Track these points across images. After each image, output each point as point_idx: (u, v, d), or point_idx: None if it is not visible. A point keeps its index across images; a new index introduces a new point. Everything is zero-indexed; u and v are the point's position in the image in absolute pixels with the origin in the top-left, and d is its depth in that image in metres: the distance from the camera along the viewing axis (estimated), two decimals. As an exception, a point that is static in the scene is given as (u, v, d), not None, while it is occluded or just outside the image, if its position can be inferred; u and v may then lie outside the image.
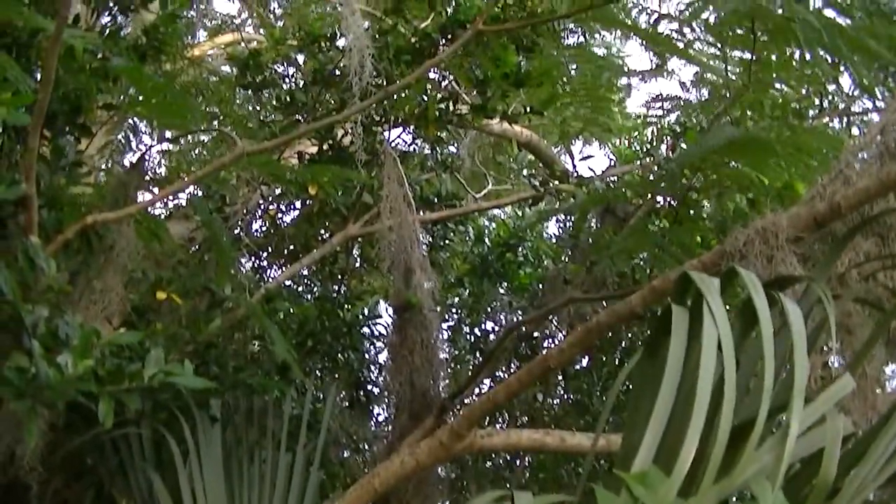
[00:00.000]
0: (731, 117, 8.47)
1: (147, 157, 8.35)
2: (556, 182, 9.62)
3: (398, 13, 8.94)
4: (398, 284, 8.42)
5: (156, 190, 9.37)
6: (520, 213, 11.49)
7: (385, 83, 8.46)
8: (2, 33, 7.06)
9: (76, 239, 5.90)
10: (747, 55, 7.93)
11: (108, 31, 8.58)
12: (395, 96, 8.76)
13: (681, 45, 8.00)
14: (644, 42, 8.32)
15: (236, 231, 9.58)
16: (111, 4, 8.75)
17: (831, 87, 8.99)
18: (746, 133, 6.98)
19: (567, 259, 9.91)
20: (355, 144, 8.53)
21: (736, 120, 8.32)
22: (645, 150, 10.54)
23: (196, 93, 11.70)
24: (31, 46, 7.31)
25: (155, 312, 8.01)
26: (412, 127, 9.43)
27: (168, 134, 11.85)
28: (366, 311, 10.75)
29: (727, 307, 2.90)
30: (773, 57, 7.89)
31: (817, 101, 9.24)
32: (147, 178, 8.66)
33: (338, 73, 9.13)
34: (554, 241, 11.12)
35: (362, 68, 7.13)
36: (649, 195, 8.22)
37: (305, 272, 10.68)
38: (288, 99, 9.47)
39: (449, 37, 8.68)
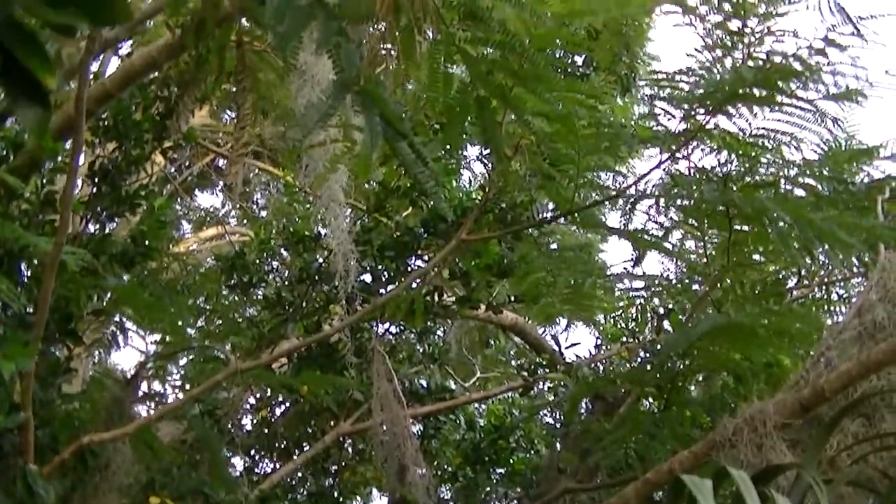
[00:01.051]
0: (713, 297, 8.57)
1: (142, 373, 8.38)
2: (545, 370, 9.70)
3: (380, 210, 9.12)
4: (392, 481, 8.40)
5: (150, 404, 9.39)
6: (510, 399, 11.52)
7: (371, 279, 8.60)
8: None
9: (71, 458, 5.91)
10: (724, 233, 8.08)
11: (96, 238, 8.77)
12: (383, 292, 8.89)
13: (658, 231, 8.15)
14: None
15: (228, 430, 9.60)
16: (99, 211, 8.93)
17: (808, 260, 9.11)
18: (729, 321, 7.08)
19: (560, 446, 9.91)
20: (343, 343, 8.63)
21: (717, 301, 8.42)
22: (630, 327, 10.67)
23: (182, 288, 11.79)
24: (23, 257, 7.45)
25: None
26: (399, 321, 9.53)
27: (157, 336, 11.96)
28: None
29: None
30: (750, 235, 8.03)
31: (795, 271, 9.36)
32: (141, 392, 8.67)
33: (323, 270, 9.27)
34: (545, 425, 11.12)
35: (347, 273, 7.26)
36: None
37: (299, 469, 10.64)
38: (275, 297, 9.59)
39: (431, 229, 8.87)
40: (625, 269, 9.09)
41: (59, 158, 7.82)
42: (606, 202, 6.96)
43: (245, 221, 16.38)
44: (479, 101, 4.60)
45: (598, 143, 5.76)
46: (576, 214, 6.45)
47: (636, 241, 7.90)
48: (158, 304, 8.97)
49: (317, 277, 9.39)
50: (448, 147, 5.57)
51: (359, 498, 11.20)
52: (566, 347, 10.41)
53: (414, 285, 8.34)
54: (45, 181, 7.73)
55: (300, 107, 5.70)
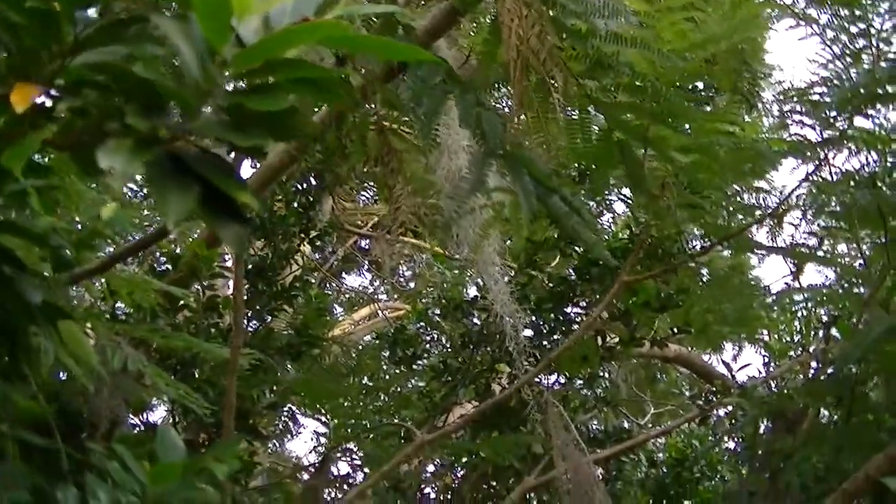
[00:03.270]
0: (878, 298, 8.42)
1: (330, 459, 8.59)
2: (718, 397, 9.63)
3: (532, 265, 9.21)
4: (586, 530, 8.39)
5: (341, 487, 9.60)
6: (689, 430, 11.42)
7: (533, 333, 8.69)
8: (167, 357, 7.48)
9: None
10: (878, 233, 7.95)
11: (260, 334, 9.04)
12: (546, 343, 8.96)
13: (811, 241, 8.08)
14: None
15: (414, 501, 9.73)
16: (259, 308, 9.21)
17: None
18: (903, 318, 6.98)
19: (746, 469, 9.79)
20: (517, 400, 8.70)
21: (883, 301, 8.27)
22: (796, 341, 10.56)
23: (345, 370, 12.00)
24: (194, 364, 7.73)
25: None
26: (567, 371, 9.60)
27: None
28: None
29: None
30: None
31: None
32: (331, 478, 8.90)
33: (485, 332, 9.40)
34: (726, 451, 10.99)
35: (516, 331, 7.33)
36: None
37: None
38: (441, 365, 9.73)
39: (585, 276, 8.94)
40: (786, 283, 9.03)
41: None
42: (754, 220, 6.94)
43: (395, 297, 16.59)
44: (621, 145, 4.68)
45: (741, 166, 5.78)
46: (730, 240, 6.45)
47: (794, 256, 7.86)
48: (328, 390, 9.22)
49: (479, 340, 9.52)
50: (596, 196, 5.65)
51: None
52: (737, 370, 10.32)
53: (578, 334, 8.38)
54: (205, 287, 8.02)
55: (440, 178, 5.83)
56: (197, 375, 7.72)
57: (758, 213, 7.17)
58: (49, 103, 1.81)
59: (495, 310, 7.85)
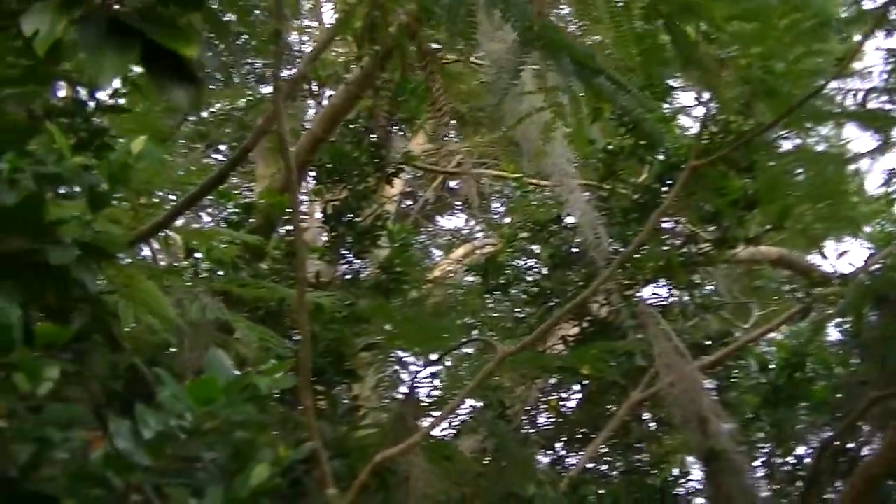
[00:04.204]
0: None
1: (416, 384, 8.55)
2: (820, 289, 9.37)
3: (612, 176, 9.03)
4: (696, 437, 8.25)
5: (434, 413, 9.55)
6: (795, 329, 11.18)
7: (622, 245, 8.52)
8: (254, 308, 7.49)
9: (371, 480, 6.06)
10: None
11: (348, 279, 9.02)
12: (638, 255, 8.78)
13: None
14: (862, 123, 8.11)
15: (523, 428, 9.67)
16: (344, 252, 9.18)
17: None
18: None
19: (857, 360, 9.56)
20: (613, 312, 8.56)
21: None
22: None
23: (448, 310, 11.94)
24: (280, 313, 7.72)
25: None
26: (663, 280, 9.40)
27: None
28: (674, 473, 10.55)
29: None
30: None
31: None
32: (422, 403, 8.86)
33: (574, 250, 9.26)
34: (837, 346, 10.74)
35: (598, 239, 7.18)
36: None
37: (603, 450, 10.57)
38: (535, 289, 9.62)
39: (668, 182, 8.71)
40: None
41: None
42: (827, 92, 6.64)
43: (491, 233, 16.51)
44: (667, 22, 4.49)
45: (801, 33, 5.52)
46: (800, 112, 6.18)
47: (874, 121, 7.55)
48: (425, 327, 9.16)
49: (570, 259, 9.39)
50: (649, 82, 5.44)
51: (670, 469, 11.02)
52: (838, 257, 10.06)
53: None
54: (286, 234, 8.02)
55: (487, 75, 5.71)
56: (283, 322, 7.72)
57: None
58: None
59: (577, 221, 7.73)
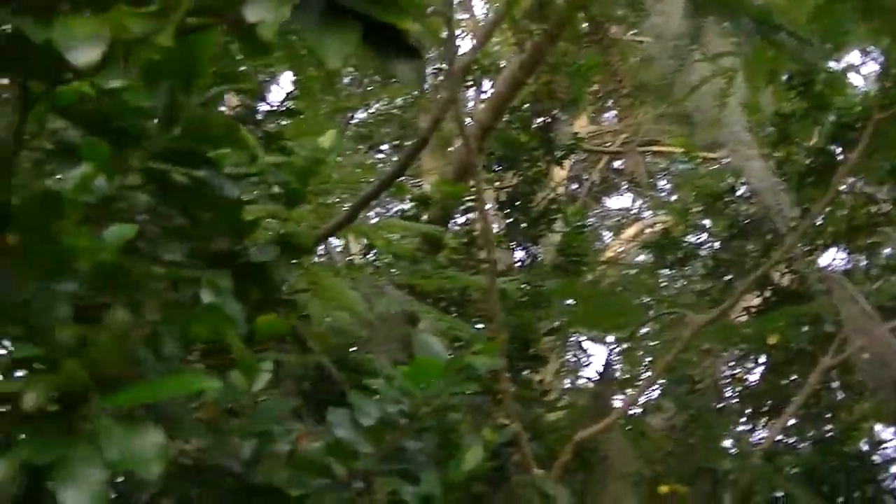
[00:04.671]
0: None
1: (609, 363, 8.55)
2: None
3: (785, 141, 8.85)
4: (890, 403, 8.04)
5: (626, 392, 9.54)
6: None
7: (801, 211, 8.36)
8: (437, 299, 7.57)
9: (572, 459, 6.10)
10: None
11: (527, 264, 9.07)
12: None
13: None
14: None
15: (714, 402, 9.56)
16: (520, 238, 9.21)
17: None
18: None
19: None
20: (797, 280, 8.40)
21: None
22: None
23: (624, 290, 11.88)
24: (462, 302, 7.80)
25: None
26: (844, 243, 9.19)
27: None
28: (867, 441, 10.29)
29: None
30: None
31: None
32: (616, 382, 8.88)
33: (751, 220, 9.12)
34: None
35: (780, 206, 7.03)
36: None
37: (792, 420, 10.38)
38: (713, 262, 9.51)
39: (842, 142, 8.50)
40: None
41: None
42: None
43: (660, 210, 16.37)
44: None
45: None
46: None
47: None
48: (607, 307, 9.13)
49: (747, 229, 9.26)
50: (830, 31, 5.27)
51: (863, 436, 10.75)
52: None
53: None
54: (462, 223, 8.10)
55: (653, 45, 5.63)
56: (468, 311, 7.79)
57: None
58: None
59: (755, 192, 7.59)
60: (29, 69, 1.92)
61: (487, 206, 9.45)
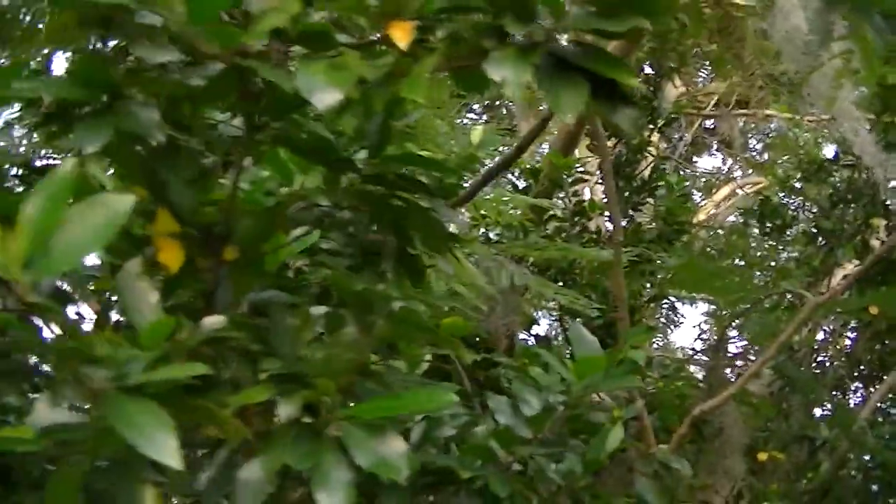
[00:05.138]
0: None
1: (726, 336, 8.66)
2: None
3: (889, 110, 8.85)
4: None
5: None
6: None
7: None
8: (543, 269, 7.72)
9: (688, 432, 6.25)
10: None
11: (630, 231, 9.16)
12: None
13: None
14: None
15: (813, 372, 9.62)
16: (625, 206, 9.32)
17: None
18: None
19: None
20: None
21: None
22: None
23: (715, 253, 11.94)
24: (571, 271, 7.96)
25: (758, 474, 8.15)
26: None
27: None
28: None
29: None
30: None
31: None
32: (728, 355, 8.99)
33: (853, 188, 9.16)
34: None
35: (888, 175, 7.09)
36: None
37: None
38: (814, 229, 9.55)
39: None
40: None
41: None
42: None
43: (750, 171, 16.32)
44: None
45: None
46: None
47: None
48: (706, 273, 9.23)
49: (847, 198, 9.28)
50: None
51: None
52: None
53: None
54: (570, 194, 8.21)
55: (780, 41, 5.70)
56: (577, 281, 7.93)
57: None
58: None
59: (862, 163, 7.64)
60: (261, 107, 2.12)
61: (593, 177, 9.61)
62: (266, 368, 1.99)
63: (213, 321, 1.96)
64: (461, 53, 1.89)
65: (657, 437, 6.10)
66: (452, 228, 2.48)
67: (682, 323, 12.79)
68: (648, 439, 5.58)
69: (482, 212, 7.23)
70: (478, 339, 6.49)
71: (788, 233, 10.33)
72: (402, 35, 1.84)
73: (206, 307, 2.20)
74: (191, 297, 2.27)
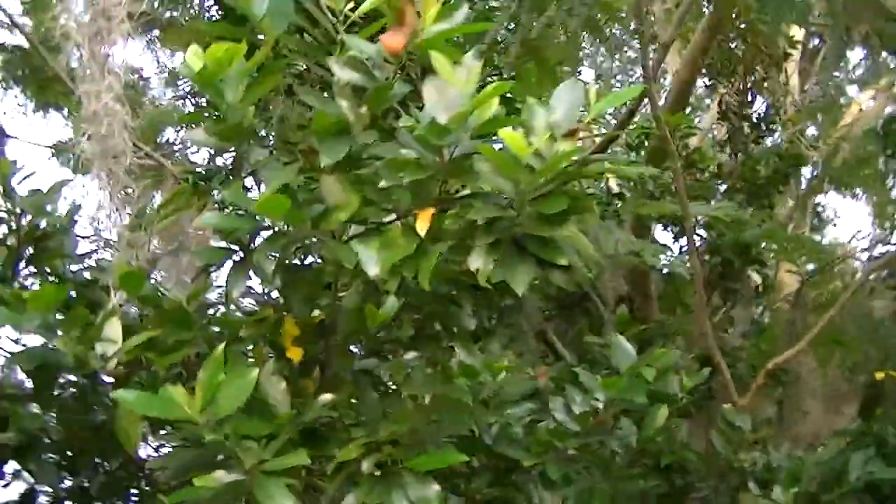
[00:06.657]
0: None
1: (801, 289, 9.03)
2: None
3: None
4: None
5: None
6: None
7: None
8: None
9: (768, 381, 6.98)
10: None
11: (747, 166, 9.74)
12: None
13: None
14: None
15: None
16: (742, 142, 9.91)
17: None
18: None
19: None
20: None
21: None
22: None
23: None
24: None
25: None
26: None
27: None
28: None
29: None
30: None
31: None
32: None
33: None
34: None
35: None
36: None
37: None
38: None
39: None
40: None
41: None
42: None
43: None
44: None
45: None
46: None
47: None
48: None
49: None
50: None
51: None
52: None
53: None
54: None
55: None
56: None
57: None
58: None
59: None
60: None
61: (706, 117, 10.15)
62: (354, 436, 3.12)
63: (325, 399, 3.13)
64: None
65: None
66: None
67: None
68: (729, 389, 6.38)
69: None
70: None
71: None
72: (423, 223, 2.89)
73: (322, 382, 3.36)
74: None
